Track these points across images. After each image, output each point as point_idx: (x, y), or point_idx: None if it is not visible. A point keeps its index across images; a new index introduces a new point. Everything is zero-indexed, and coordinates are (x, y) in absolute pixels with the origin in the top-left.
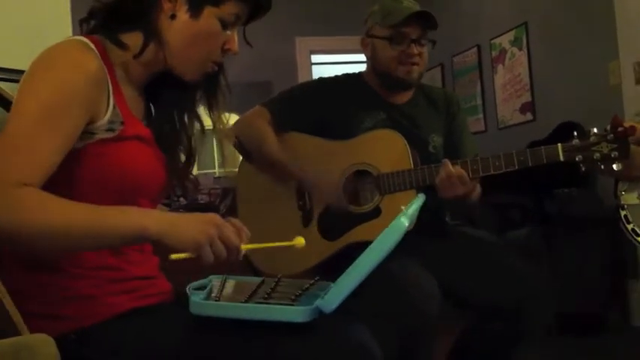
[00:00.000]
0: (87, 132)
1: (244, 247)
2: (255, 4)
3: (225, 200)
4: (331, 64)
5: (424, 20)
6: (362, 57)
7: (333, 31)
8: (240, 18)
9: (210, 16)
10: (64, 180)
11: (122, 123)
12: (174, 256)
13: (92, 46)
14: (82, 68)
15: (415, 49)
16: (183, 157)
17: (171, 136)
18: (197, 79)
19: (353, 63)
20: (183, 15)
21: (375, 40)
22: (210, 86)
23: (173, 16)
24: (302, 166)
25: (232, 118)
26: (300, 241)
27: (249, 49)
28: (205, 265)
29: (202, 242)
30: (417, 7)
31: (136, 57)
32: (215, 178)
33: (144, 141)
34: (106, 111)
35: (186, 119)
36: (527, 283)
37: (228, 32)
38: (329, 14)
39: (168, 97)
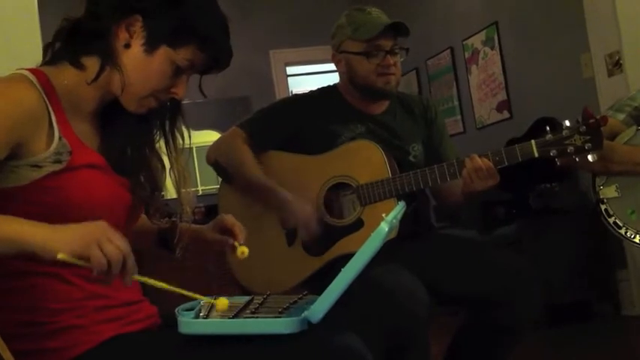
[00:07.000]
0: (34, 165)
1: (137, 277)
2: (214, 57)
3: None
4: (307, 75)
5: (396, 30)
6: None
7: (307, 42)
8: (194, 66)
9: (163, 56)
10: (15, 215)
11: (70, 153)
12: (60, 256)
13: (34, 79)
14: (18, 103)
15: (391, 60)
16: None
17: (130, 162)
18: (139, 111)
19: (328, 72)
20: (137, 47)
21: (349, 55)
22: (166, 125)
23: (127, 46)
24: (281, 188)
25: (211, 135)
26: (223, 301)
27: None
28: (98, 272)
29: (89, 242)
30: (385, 17)
31: (92, 82)
32: (198, 196)
33: (97, 168)
34: (50, 143)
35: (146, 151)
36: (516, 275)
37: (179, 77)
38: (301, 25)
39: (124, 125)
